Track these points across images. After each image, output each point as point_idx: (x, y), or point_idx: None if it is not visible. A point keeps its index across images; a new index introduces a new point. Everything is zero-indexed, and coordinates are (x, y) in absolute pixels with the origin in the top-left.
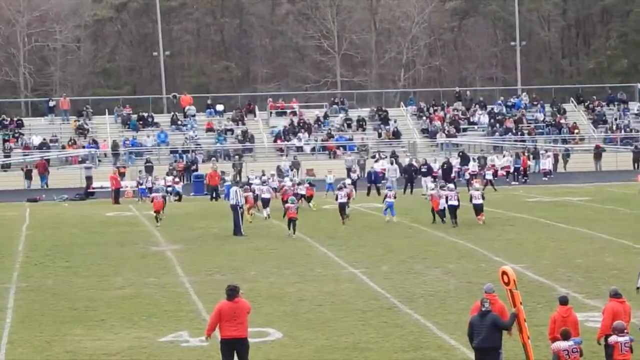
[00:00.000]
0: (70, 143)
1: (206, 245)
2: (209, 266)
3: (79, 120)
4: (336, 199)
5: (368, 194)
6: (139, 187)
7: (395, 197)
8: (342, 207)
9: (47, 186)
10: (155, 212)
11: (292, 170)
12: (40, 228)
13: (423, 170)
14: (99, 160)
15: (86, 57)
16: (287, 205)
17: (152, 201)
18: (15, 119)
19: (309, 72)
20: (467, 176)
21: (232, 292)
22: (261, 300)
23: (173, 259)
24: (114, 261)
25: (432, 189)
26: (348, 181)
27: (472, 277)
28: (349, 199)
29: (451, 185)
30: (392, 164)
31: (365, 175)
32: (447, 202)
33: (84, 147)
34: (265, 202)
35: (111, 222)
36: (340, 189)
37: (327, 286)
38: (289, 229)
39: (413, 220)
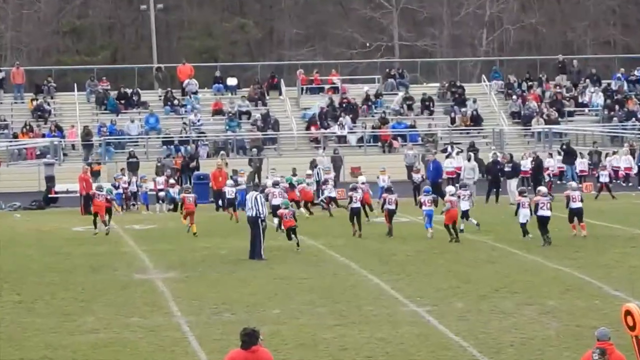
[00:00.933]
0: (25, 130)
1: (212, 272)
2: (215, 301)
3: (37, 99)
4: (349, 203)
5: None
6: (115, 191)
7: (436, 204)
8: (357, 214)
9: None
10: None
11: (314, 167)
12: None
13: (507, 169)
14: (65, 154)
15: (48, 12)
16: (280, 211)
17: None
18: None
19: (356, 33)
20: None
21: (249, 339)
22: (287, 350)
23: (165, 291)
24: (84, 294)
25: (452, 194)
26: (362, 178)
27: (581, 319)
28: (364, 204)
29: (543, 189)
30: (469, 160)
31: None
32: (536, 211)
33: (43, 135)
34: (276, 210)
35: (80, 240)
36: (354, 189)
37: (379, 330)
38: (290, 239)
39: (498, 239)
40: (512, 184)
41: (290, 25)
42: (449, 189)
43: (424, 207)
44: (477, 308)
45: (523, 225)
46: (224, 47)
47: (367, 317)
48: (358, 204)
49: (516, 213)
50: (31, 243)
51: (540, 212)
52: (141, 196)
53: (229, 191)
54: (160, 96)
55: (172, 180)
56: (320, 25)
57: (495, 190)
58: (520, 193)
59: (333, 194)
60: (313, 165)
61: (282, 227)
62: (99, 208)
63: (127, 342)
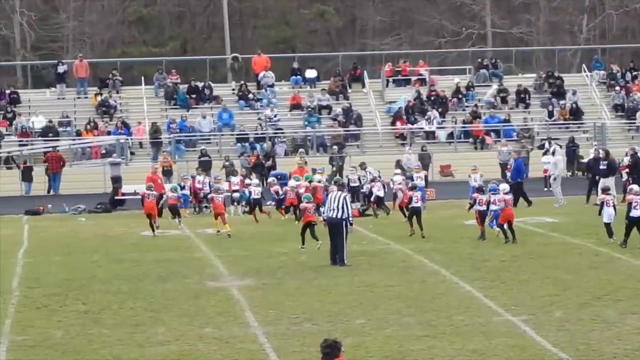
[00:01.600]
0: (89, 127)
1: (290, 279)
2: (294, 311)
3: (101, 94)
4: (409, 202)
5: (528, 202)
6: (181, 191)
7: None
8: (417, 214)
9: (56, 191)
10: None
11: (365, 169)
12: (45, 254)
13: (602, 167)
14: (132, 153)
15: (113, 0)
16: (302, 205)
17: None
18: (7, 91)
19: (445, 20)
20: None
21: (330, 351)
22: None
23: (241, 300)
24: (154, 303)
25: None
26: (422, 174)
27: None
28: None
29: (635, 188)
30: (553, 154)
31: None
32: (628, 211)
33: (109, 133)
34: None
35: (149, 245)
36: (412, 189)
37: (471, 342)
38: (310, 238)
39: (600, 242)
40: (608, 182)
41: (374, 13)
42: (503, 186)
43: (492, 206)
44: (577, 317)
45: (607, 225)
46: (302, 36)
47: (458, 328)
48: (418, 204)
49: (600, 212)
50: (97, 249)
51: (633, 213)
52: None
53: (255, 191)
54: (233, 90)
55: (247, 180)
56: (407, 12)
57: (595, 188)
58: (604, 191)
59: (381, 193)
60: (362, 167)
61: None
62: (150, 209)
63: (200, 355)
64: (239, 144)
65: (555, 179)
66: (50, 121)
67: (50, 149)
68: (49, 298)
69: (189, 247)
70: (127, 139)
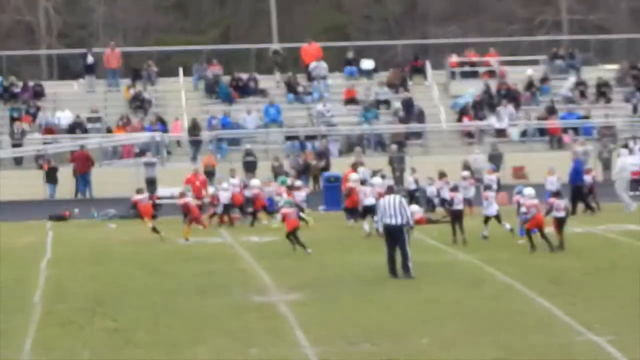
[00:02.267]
0: (121, 123)
1: (346, 293)
2: (351, 329)
3: (135, 86)
4: (450, 205)
5: (588, 207)
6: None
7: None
8: (459, 218)
9: (85, 194)
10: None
11: (393, 169)
12: (71, 264)
13: None
14: (168, 152)
15: None
16: (283, 210)
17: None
18: (31, 83)
19: (515, 5)
20: None
21: None
22: None
23: (290, 317)
24: (193, 320)
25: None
26: (495, 176)
27: None
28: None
29: None
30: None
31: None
32: None
33: (143, 129)
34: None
35: (187, 255)
36: (454, 189)
37: None
38: (294, 245)
39: None
40: None
41: None
42: (528, 190)
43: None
44: None
45: None
46: (356, 23)
47: (534, 348)
48: (460, 206)
49: None
50: (129, 259)
51: None
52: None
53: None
54: (278, 82)
55: (298, 182)
56: None
57: None
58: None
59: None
60: (466, 165)
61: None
62: (145, 212)
63: None
64: (287, 143)
65: (620, 182)
66: (78, 116)
67: (78, 148)
68: (74, 314)
69: (232, 257)
70: (163, 137)
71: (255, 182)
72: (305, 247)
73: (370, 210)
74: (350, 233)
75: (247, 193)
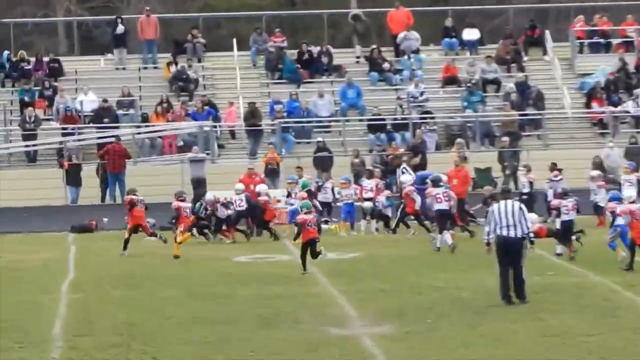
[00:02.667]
0: (160, 110)
1: (446, 324)
2: None
3: (177, 63)
4: (557, 215)
5: None
6: (287, 201)
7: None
8: (570, 230)
9: (115, 199)
10: None
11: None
12: (99, 287)
13: None
14: (220, 146)
15: None
16: (300, 217)
17: None
18: (45, 59)
19: None
20: None
21: None
22: None
23: (377, 353)
24: (254, 358)
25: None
26: (634, 177)
27: None
28: None
29: None
30: None
31: None
32: None
33: (187, 115)
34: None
35: (246, 276)
36: (564, 195)
37: None
38: (304, 256)
39: None
40: None
41: None
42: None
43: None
44: None
45: None
46: None
47: None
48: (571, 216)
49: None
50: (172, 280)
51: None
52: (341, 209)
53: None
54: (358, 58)
55: (381, 185)
56: None
57: None
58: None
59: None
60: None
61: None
62: (138, 219)
63: None
64: (370, 135)
65: None
66: (105, 100)
67: (111, 140)
68: (104, 350)
69: (302, 279)
70: (214, 127)
71: (262, 187)
72: (305, 267)
73: (448, 217)
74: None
75: (322, 197)
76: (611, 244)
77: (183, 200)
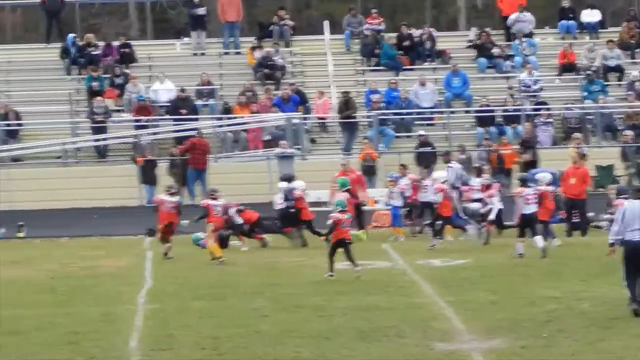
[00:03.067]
0: (243, 100)
1: (565, 339)
2: None
3: (262, 47)
4: None
5: None
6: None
7: None
8: None
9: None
10: None
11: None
12: (179, 297)
13: None
14: (312, 140)
15: None
16: (333, 216)
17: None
18: (116, 43)
19: None
20: None
21: None
22: None
23: None
24: None
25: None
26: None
27: None
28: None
29: None
30: None
31: None
32: None
33: (273, 106)
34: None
35: (342, 285)
36: None
37: None
38: (332, 256)
39: None
40: None
41: None
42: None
43: None
44: None
45: None
46: None
47: None
48: None
49: None
50: (260, 290)
51: None
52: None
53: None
54: (471, 42)
55: (495, 183)
56: None
57: None
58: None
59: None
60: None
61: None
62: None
63: None
64: (479, 128)
65: None
66: (183, 90)
67: (189, 133)
68: None
69: (404, 288)
70: (304, 118)
71: (298, 183)
72: (356, 263)
73: (530, 222)
74: (566, 253)
75: (423, 196)
76: None
77: (215, 199)
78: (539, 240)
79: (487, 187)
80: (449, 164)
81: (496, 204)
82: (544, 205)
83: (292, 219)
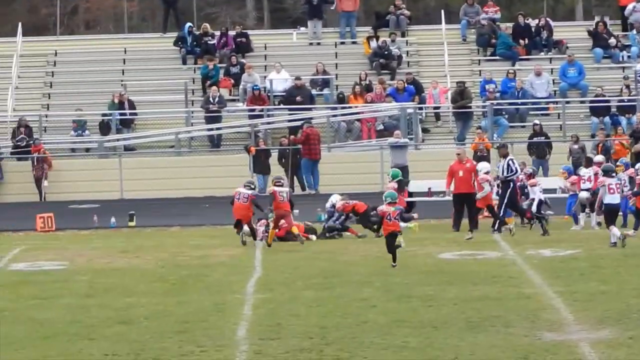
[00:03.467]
0: (358, 90)
1: None
2: None
3: (378, 37)
4: None
5: None
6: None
7: None
8: None
9: (305, 188)
10: None
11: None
12: (288, 287)
13: None
14: (425, 130)
15: None
16: (381, 208)
17: None
18: (232, 33)
19: None
20: None
21: None
22: None
23: None
24: None
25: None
26: None
27: None
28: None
29: None
30: None
31: None
32: None
33: (389, 97)
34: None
35: (452, 275)
36: None
37: None
38: (390, 251)
39: None
40: None
41: None
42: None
43: None
44: None
45: None
46: None
47: None
48: None
49: None
50: (369, 279)
51: None
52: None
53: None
54: (592, 30)
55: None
56: None
57: None
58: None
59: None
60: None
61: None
62: (239, 214)
63: None
64: (593, 118)
65: None
66: (298, 78)
67: (303, 123)
68: (293, 356)
69: (513, 278)
70: (419, 108)
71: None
72: (395, 255)
73: (613, 212)
74: None
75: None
76: None
77: (280, 185)
78: (615, 230)
79: (595, 177)
80: (510, 159)
81: (537, 194)
82: None
83: None
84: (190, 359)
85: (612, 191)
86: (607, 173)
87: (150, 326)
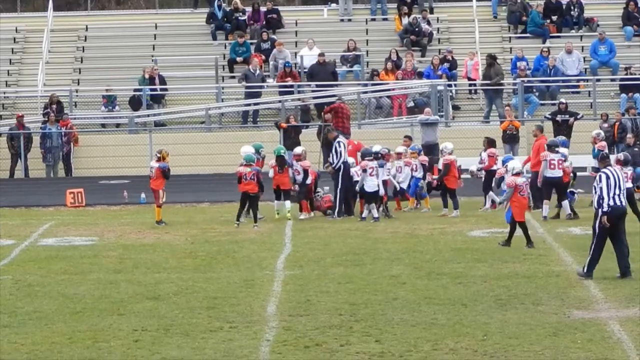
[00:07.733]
0: (389, 66)
1: None
2: None
3: (409, 14)
4: None
5: None
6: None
7: None
8: None
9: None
10: None
11: None
12: (318, 264)
13: None
14: (456, 107)
15: None
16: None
17: None
18: (263, 9)
19: None
20: None
21: None
22: None
23: (624, 339)
24: (487, 342)
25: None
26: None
27: None
28: None
29: None
30: None
31: None
32: None
33: (420, 74)
34: None
35: (482, 252)
36: None
37: None
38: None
39: None
40: None
41: None
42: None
43: None
44: None
45: None
46: None
47: None
48: None
49: None
50: (399, 257)
51: None
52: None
53: None
54: (617, 9)
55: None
56: None
57: None
58: None
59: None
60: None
61: None
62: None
63: None
64: (622, 95)
65: None
66: (322, 54)
67: (334, 98)
68: (322, 332)
69: (543, 256)
70: (450, 84)
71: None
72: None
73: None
74: None
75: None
76: None
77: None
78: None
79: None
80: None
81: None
82: None
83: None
84: (219, 335)
85: (552, 166)
86: (551, 148)
87: (179, 302)
